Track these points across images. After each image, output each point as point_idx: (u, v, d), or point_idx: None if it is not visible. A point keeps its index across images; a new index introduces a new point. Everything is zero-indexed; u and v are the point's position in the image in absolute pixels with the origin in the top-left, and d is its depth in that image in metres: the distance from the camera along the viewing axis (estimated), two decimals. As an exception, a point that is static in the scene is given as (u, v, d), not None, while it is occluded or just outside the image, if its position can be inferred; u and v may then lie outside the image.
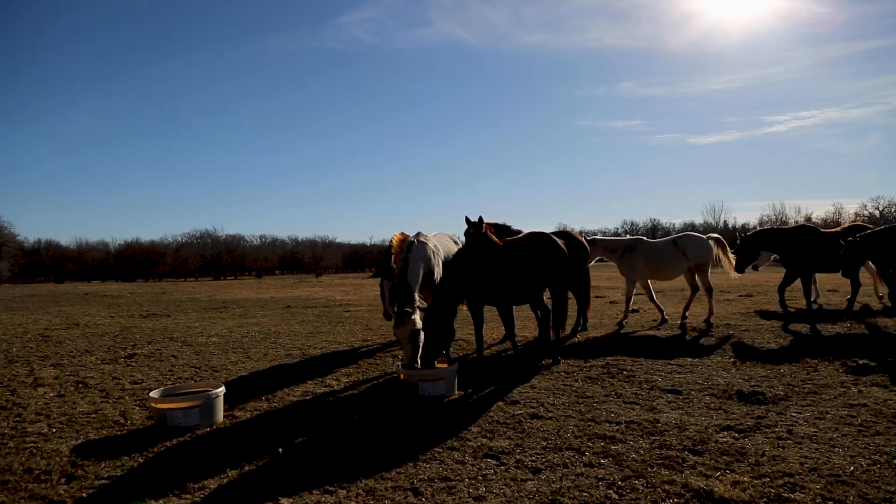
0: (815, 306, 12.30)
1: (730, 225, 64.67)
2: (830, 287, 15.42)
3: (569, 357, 7.53)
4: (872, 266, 10.87)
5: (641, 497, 3.40)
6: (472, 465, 3.97)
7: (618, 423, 4.75)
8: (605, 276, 26.21)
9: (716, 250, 10.40)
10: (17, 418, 5.42)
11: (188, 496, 3.59)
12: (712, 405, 5.24)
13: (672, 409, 5.14)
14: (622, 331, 9.68)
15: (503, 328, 10.27)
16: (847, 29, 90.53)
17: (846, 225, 10.74)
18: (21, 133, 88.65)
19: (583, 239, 9.40)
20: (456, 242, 7.86)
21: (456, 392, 5.86)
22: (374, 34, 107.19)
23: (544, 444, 4.34)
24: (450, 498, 3.49)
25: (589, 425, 4.74)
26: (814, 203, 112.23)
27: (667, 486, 3.51)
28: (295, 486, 3.68)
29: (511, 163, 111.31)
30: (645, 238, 10.76)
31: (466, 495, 3.51)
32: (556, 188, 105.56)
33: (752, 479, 3.59)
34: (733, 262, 10.60)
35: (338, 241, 79.58)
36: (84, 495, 3.63)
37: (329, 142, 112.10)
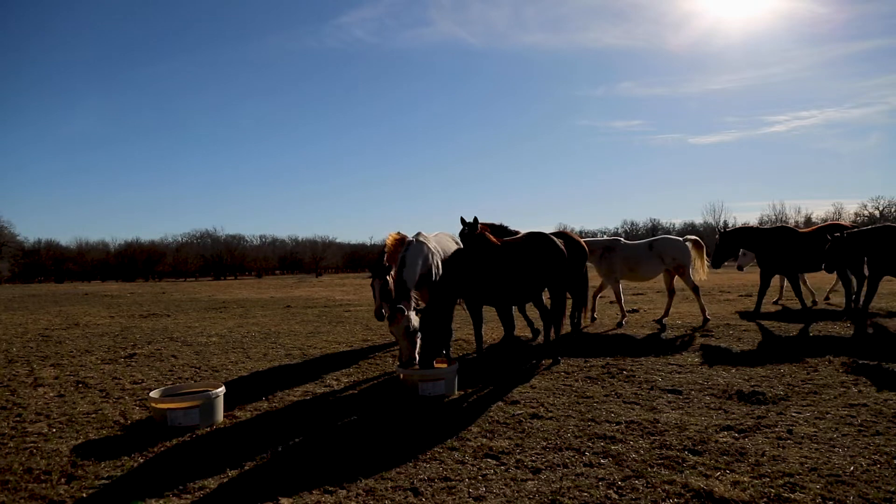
0: (809, 304, 12.35)
1: (730, 225, 64.67)
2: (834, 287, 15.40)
3: (569, 357, 7.53)
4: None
5: (641, 497, 3.40)
6: (472, 465, 3.97)
7: (618, 423, 4.75)
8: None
9: (693, 252, 10.51)
10: (17, 418, 5.42)
11: (188, 496, 3.59)
12: (712, 405, 5.24)
13: (672, 409, 5.14)
14: (621, 331, 9.69)
15: (503, 328, 10.29)
16: (847, 29, 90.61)
17: (822, 224, 10.71)
18: (21, 133, 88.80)
19: (581, 240, 9.41)
20: (457, 242, 7.85)
21: (456, 392, 5.86)
22: (374, 34, 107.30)
23: (544, 444, 4.34)
24: (450, 498, 3.49)
25: (589, 425, 4.74)
26: (814, 203, 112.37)
27: (667, 486, 3.51)
28: (295, 486, 3.68)
29: (511, 163, 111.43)
30: (622, 239, 10.85)
31: (466, 495, 3.51)
32: (556, 188, 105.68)
33: (752, 479, 3.59)
34: (706, 267, 10.73)
35: (338, 241, 79.66)
36: (84, 495, 3.63)
37: (329, 142, 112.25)
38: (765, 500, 3.32)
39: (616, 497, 3.42)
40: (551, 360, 7.25)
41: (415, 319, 6.16)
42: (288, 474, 3.90)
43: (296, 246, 76.00)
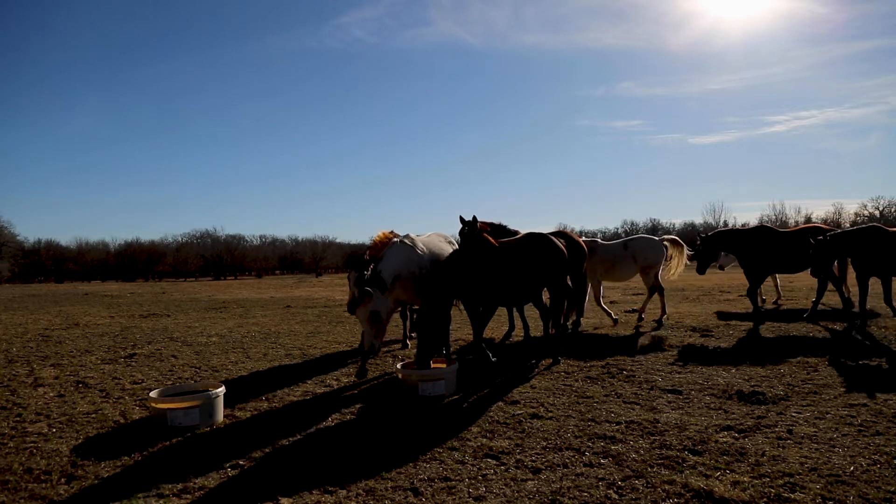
0: (777, 306, 12.34)
1: (730, 225, 64.68)
2: (831, 288, 15.39)
3: (569, 357, 7.53)
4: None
5: (641, 497, 3.40)
6: (472, 465, 3.97)
7: (618, 423, 4.75)
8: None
9: (671, 251, 10.55)
10: (17, 418, 5.42)
11: (188, 496, 3.59)
12: (712, 405, 5.24)
13: (672, 409, 5.14)
14: (621, 331, 9.69)
15: (503, 329, 10.28)
16: (847, 29, 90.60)
17: (804, 226, 10.68)
18: (21, 133, 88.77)
19: (581, 240, 9.42)
20: (451, 243, 7.79)
21: (456, 392, 5.86)
22: (374, 34, 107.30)
23: (544, 444, 4.34)
24: (450, 498, 3.49)
25: (589, 425, 4.74)
26: (814, 203, 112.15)
27: (667, 486, 3.51)
28: (295, 486, 3.68)
29: (511, 163, 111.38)
30: (600, 240, 10.93)
31: (466, 495, 3.51)
32: (556, 188, 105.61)
33: (752, 479, 3.59)
34: (680, 267, 10.79)
35: (338, 241, 79.52)
36: (84, 495, 3.63)
37: (329, 142, 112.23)
38: (765, 500, 3.32)
39: (616, 497, 3.42)
40: (551, 360, 7.25)
41: (383, 311, 6.09)
42: (288, 474, 3.90)
43: (296, 246, 75.99)
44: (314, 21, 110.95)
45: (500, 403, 5.46)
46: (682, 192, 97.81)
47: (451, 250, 7.41)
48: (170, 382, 6.70)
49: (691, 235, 36.73)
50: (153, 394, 5.20)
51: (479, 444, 4.36)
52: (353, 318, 9.53)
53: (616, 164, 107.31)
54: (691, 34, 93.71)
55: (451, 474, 3.82)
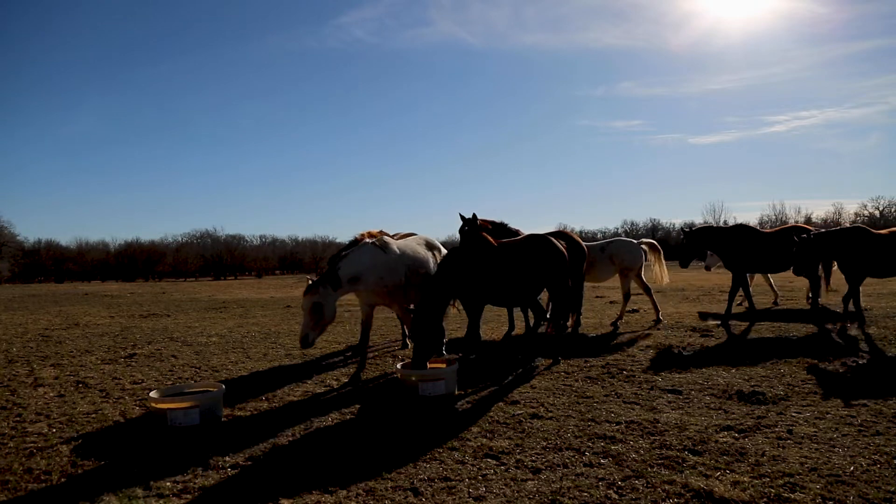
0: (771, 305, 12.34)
1: (730, 224, 64.57)
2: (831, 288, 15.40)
3: (569, 357, 7.53)
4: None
5: (641, 497, 3.40)
6: (472, 465, 3.97)
7: (618, 423, 4.75)
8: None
9: (650, 255, 10.64)
10: (17, 418, 5.42)
11: (188, 496, 3.59)
12: (712, 405, 5.24)
13: (672, 409, 5.14)
14: (621, 331, 9.69)
15: (504, 328, 10.28)
16: (847, 29, 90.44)
17: (786, 226, 10.67)
18: (21, 133, 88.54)
19: (581, 241, 9.42)
20: (431, 248, 7.61)
21: (456, 392, 5.86)
22: (374, 34, 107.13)
23: (544, 444, 4.34)
24: (450, 498, 3.49)
25: (589, 425, 4.74)
26: (814, 203, 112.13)
27: (667, 486, 3.51)
28: (295, 486, 3.68)
29: (511, 163, 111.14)
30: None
31: (466, 495, 3.51)
32: (556, 188, 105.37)
33: (752, 479, 3.59)
34: (665, 270, 10.94)
35: (338, 241, 79.31)
36: (84, 495, 3.63)
37: (329, 142, 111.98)
38: (765, 500, 3.32)
39: (616, 497, 3.42)
40: (551, 360, 7.24)
41: (328, 307, 6.06)
42: (288, 474, 3.90)
43: (296, 246, 75.94)
44: (314, 21, 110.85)
45: (500, 403, 5.46)
46: (682, 192, 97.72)
47: (428, 255, 7.31)
48: (170, 382, 6.70)
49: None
50: (153, 394, 5.20)
51: (479, 444, 4.36)
52: (354, 318, 9.54)
53: (616, 164, 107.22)
54: (691, 34, 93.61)
55: (451, 474, 3.82)
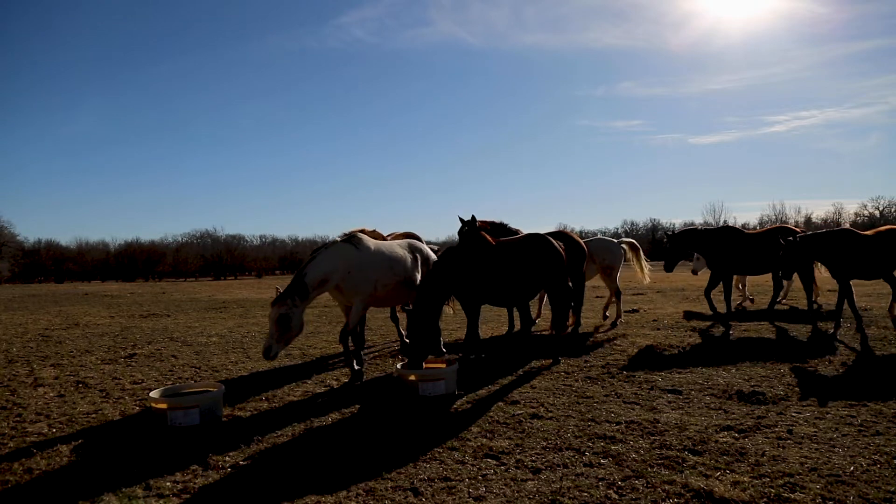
0: (746, 305, 12.32)
1: (730, 225, 64.56)
2: (830, 288, 15.42)
3: (569, 357, 7.53)
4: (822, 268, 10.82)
5: (641, 497, 3.40)
6: (472, 465, 3.97)
7: (618, 423, 4.75)
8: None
9: (629, 254, 10.71)
10: (17, 418, 5.42)
11: (188, 496, 3.59)
12: (712, 405, 5.24)
13: (672, 409, 5.14)
14: (621, 331, 9.69)
15: (504, 328, 10.28)
16: (847, 29, 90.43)
17: (771, 227, 10.63)
18: (21, 133, 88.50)
19: (581, 241, 9.43)
20: (413, 249, 7.28)
21: (456, 392, 5.86)
22: (374, 34, 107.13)
23: (544, 444, 4.34)
24: (450, 498, 3.49)
25: (589, 425, 4.74)
26: (814, 203, 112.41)
27: (667, 486, 3.51)
28: (295, 485, 3.68)
29: (511, 163, 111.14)
30: None
31: (466, 495, 3.51)
32: (556, 188, 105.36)
33: (752, 479, 3.59)
34: (645, 268, 11.04)
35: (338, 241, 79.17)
36: (84, 496, 3.63)
37: (329, 142, 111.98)
38: (765, 500, 3.32)
39: (616, 497, 3.42)
40: (551, 360, 7.24)
41: (295, 318, 5.90)
42: (288, 474, 3.90)
43: (296, 246, 75.88)
44: (314, 21, 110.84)
45: (500, 403, 5.46)
46: (682, 192, 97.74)
47: (406, 256, 7.01)
48: (170, 382, 6.70)
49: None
50: (153, 394, 5.20)
51: (479, 444, 4.36)
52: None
53: (616, 164, 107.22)
54: (691, 34, 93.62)
55: (451, 474, 3.82)
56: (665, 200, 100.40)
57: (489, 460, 4.05)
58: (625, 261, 10.75)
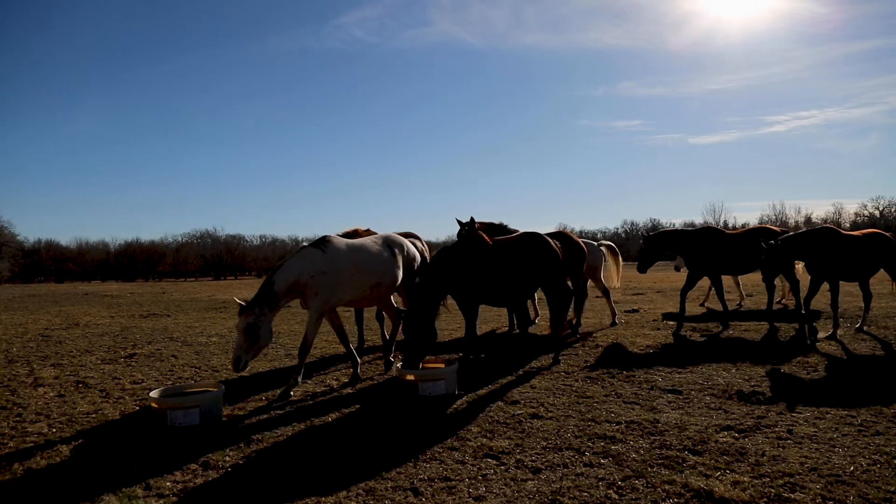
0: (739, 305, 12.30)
1: (730, 225, 64.65)
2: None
3: (569, 357, 7.53)
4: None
5: (641, 497, 3.40)
6: (472, 465, 3.97)
7: (618, 423, 4.75)
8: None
9: (608, 257, 10.79)
10: (17, 418, 5.42)
11: (188, 496, 3.59)
12: (712, 405, 5.24)
13: (672, 409, 5.14)
14: (621, 331, 9.69)
15: (503, 328, 10.28)
16: (847, 29, 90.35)
17: (751, 227, 10.60)
18: (21, 133, 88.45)
19: (580, 241, 9.43)
20: (390, 245, 6.95)
21: (456, 392, 5.86)
22: (374, 34, 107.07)
23: (544, 444, 4.34)
24: (450, 498, 3.49)
25: (589, 425, 4.74)
26: (814, 203, 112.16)
27: (667, 486, 3.51)
28: (295, 485, 3.68)
29: (511, 163, 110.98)
30: None
31: (466, 495, 3.51)
32: (556, 188, 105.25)
33: (752, 479, 3.59)
34: (618, 273, 11.12)
35: (338, 241, 79.10)
36: (84, 496, 3.63)
37: (329, 142, 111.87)
38: (765, 500, 3.32)
39: (616, 497, 3.42)
40: (551, 360, 7.24)
41: (264, 327, 5.75)
42: (288, 474, 3.90)
43: (296, 246, 75.95)
44: (314, 21, 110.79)
45: (500, 403, 5.46)
46: (682, 192, 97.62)
47: (383, 253, 6.74)
48: (170, 382, 6.70)
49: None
50: (153, 394, 5.20)
51: (479, 444, 4.36)
52: (352, 318, 9.51)
53: (616, 164, 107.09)
54: (691, 34, 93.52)
55: (451, 474, 3.82)
56: (665, 200, 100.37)
57: (489, 460, 4.05)
58: (603, 262, 10.77)
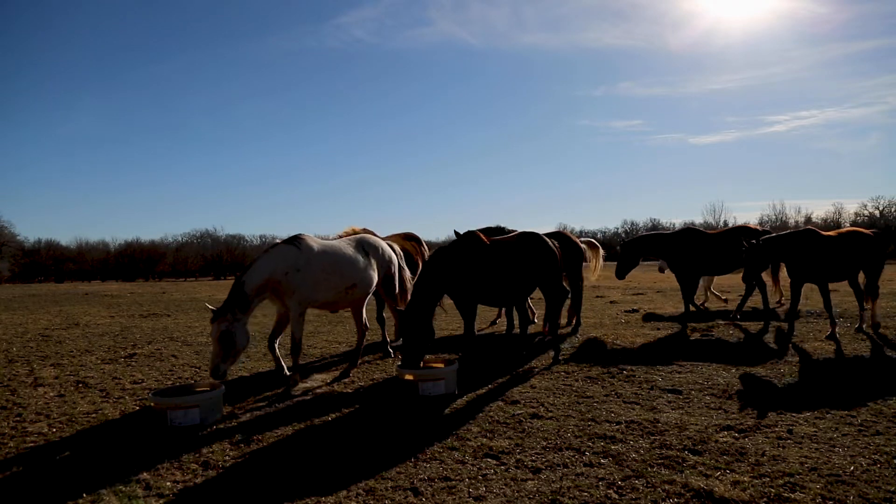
0: (702, 307, 12.26)
1: (730, 225, 64.55)
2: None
3: (569, 357, 7.53)
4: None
5: (641, 497, 3.40)
6: (472, 465, 3.97)
7: (618, 423, 4.75)
8: (604, 276, 26.13)
9: (589, 254, 10.83)
10: (17, 418, 5.42)
11: (188, 496, 3.59)
12: (712, 405, 5.24)
13: (672, 409, 5.14)
14: (621, 331, 9.69)
15: (500, 330, 10.28)
16: (847, 29, 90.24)
17: (732, 226, 10.58)
18: (21, 133, 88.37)
19: (578, 241, 9.43)
20: (363, 247, 6.94)
21: (456, 391, 5.86)
22: (374, 34, 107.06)
23: (544, 443, 4.34)
24: (450, 498, 3.49)
25: (589, 425, 4.74)
26: (814, 203, 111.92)
27: (667, 486, 3.51)
28: (295, 485, 3.68)
29: (511, 163, 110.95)
30: None
31: (466, 495, 3.51)
32: (557, 188, 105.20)
33: (752, 478, 3.59)
34: (597, 270, 11.13)
35: (338, 241, 79.06)
36: (84, 496, 3.63)
37: (329, 142, 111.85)
38: (765, 500, 3.32)
39: (616, 497, 3.42)
40: (551, 360, 7.24)
41: (239, 333, 5.58)
42: (288, 474, 3.90)
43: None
44: (314, 21, 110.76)
45: (500, 403, 5.46)
46: (682, 192, 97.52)
47: (356, 257, 6.73)
48: (170, 382, 6.70)
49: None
50: (154, 394, 5.20)
51: (479, 444, 4.36)
52: (352, 318, 9.52)
53: (616, 164, 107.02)
54: (691, 34, 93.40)
55: (451, 474, 3.82)
56: (665, 200, 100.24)
57: (489, 460, 4.05)
58: (585, 261, 10.76)
